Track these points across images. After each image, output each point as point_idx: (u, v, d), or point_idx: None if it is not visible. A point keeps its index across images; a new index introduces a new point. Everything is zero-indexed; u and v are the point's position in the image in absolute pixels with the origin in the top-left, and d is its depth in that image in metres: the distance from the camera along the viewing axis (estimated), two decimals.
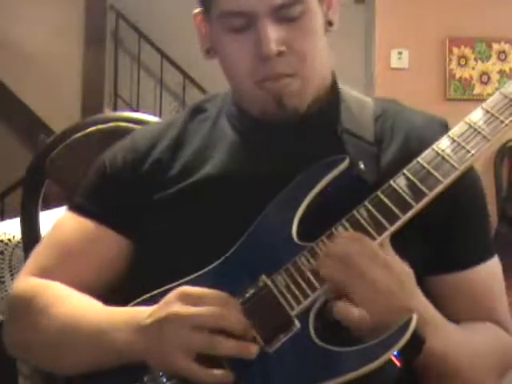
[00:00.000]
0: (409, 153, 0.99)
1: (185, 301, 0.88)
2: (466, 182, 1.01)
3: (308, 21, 1.00)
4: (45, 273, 1.06)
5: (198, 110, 1.14)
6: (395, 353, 0.82)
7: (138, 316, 0.91)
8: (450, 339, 0.92)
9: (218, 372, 0.85)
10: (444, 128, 1.05)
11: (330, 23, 1.05)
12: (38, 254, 1.11)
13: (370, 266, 0.86)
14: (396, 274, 0.88)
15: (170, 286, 0.95)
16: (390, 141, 1.04)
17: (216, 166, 1.05)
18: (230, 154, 1.06)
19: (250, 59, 0.99)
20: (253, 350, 0.86)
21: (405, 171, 0.93)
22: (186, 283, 0.95)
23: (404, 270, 0.89)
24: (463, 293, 1.02)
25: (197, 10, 1.08)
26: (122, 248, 1.07)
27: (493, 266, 1.06)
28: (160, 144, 1.09)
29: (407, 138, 1.04)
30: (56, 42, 4.96)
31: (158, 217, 1.05)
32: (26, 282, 1.06)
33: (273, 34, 0.97)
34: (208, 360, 0.86)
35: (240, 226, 0.97)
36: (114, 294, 1.07)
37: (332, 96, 1.08)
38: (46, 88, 4.94)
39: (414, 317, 0.83)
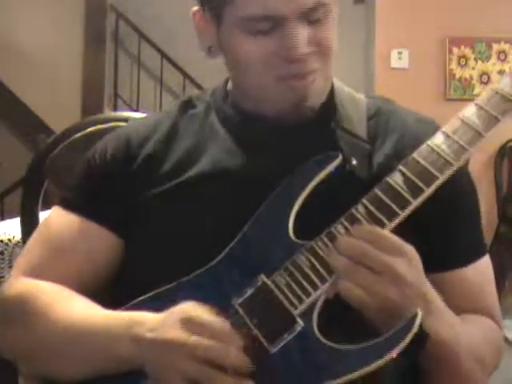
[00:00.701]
0: (402, 152, 1.00)
1: (187, 326, 0.86)
2: (459, 182, 1.02)
3: (329, 22, 1.01)
4: (35, 271, 1.05)
5: (187, 106, 1.13)
6: None
7: (136, 326, 0.90)
8: (453, 328, 0.93)
9: None
10: (436, 129, 1.06)
11: None
12: (29, 251, 1.10)
13: (387, 258, 0.86)
14: (410, 260, 0.88)
15: (167, 286, 0.95)
16: (384, 140, 1.05)
17: (209, 162, 1.05)
18: (223, 151, 1.06)
19: (273, 59, 0.99)
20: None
21: (401, 167, 0.93)
22: (183, 284, 0.94)
23: (415, 256, 0.89)
24: (457, 290, 1.02)
25: (195, 8, 1.07)
26: (113, 245, 1.06)
27: (484, 263, 1.07)
28: (151, 139, 1.09)
29: (401, 138, 1.05)
30: (56, 42, 4.97)
31: (149, 213, 1.04)
32: (19, 282, 1.05)
33: (303, 37, 0.98)
34: None
35: (234, 223, 0.97)
36: (106, 291, 1.07)
37: (328, 94, 1.08)
38: (46, 88, 4.94)
39: (419, 313, 0.83)
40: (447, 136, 0.94)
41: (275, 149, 1.04)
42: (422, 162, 0.93)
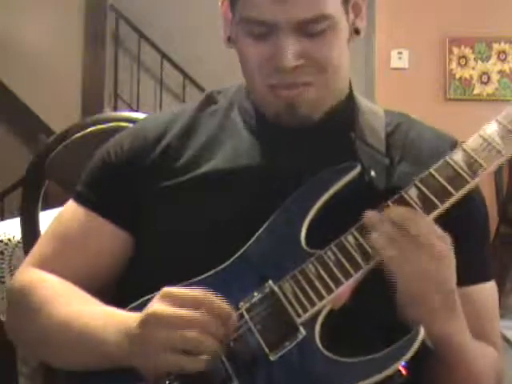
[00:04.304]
0: (420, 168, 0.97)
1: (165, 301, 0.88)
2: (473, 204, 1.02)
3: (332, 36, 0.98)
4: (44, 263, 1.06)
5: (209, 101, 1.12)
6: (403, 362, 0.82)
7: (129, 321, 0.91)
8: (467, 335, 0.93)
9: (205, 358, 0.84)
10: (454, 145, 1.04)
11: (356, 31, 1.03)
12: (40, 242, 1.11)
13: (428, 235, 0.87)
14: (448, 251, 0.89)
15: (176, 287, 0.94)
16: (402, 156, 1.04)
17: (225, 159, 1.03)
18: (240, 149, 1.05)
19: (265, 65, 0.98)
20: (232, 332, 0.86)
21: (416, 182, 0.92)
22: (192, 284, 0.94)
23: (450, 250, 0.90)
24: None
25: None
26: (123, 242, 1.06)
27: (489, 288, 1.06)
28: (169, 132, 1.08)
29: (419, 154, 1.03)
30: (56, 42, 4.97)
31: (159, 207, 1.03)
32: (27, 273, 1.07)
33: (292, 48, 0.95)
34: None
35: (245, 224, 0.96)
36: (114, 287, 1.07)
37: (348, 104, 1.07)
38: (46, 88, 4.94)
39: (422, 330, 0.83)
40: (466, 153, 0.92)
41: (293, 151, 1.03)
42: (438, 177, 0.91)
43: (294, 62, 0.96)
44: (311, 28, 0.96)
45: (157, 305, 0.88)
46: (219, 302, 0.87)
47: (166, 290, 0.89)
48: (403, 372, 0.82)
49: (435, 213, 0.90)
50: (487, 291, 1.05)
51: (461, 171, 0.91)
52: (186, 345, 0.84)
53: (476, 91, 4.69)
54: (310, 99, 1.00)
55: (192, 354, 0.84)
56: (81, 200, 1.09)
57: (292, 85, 0.98)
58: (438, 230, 0.89)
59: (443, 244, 0.88)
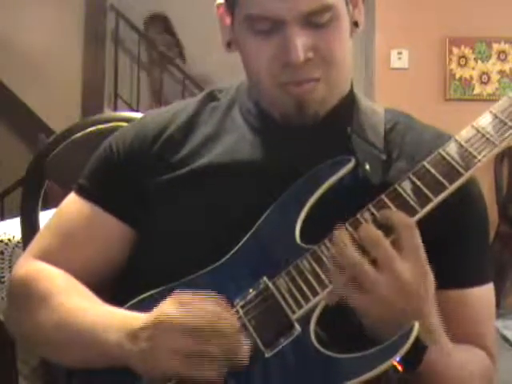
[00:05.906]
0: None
1: (177, 305, 0.88)
2: (473, 206, 1.02)
3: (336, 27, 0.98)
4: (46, 255, 1.06)
5: (211, 98, 1.12)
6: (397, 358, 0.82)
7: (132, 322, 0.91)
8: (448, 356, 0.91)
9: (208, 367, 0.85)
10: None
11: (356, 24, 1.03)
12: (42, 235, 1.11)
13: (396, 259, 0.85)
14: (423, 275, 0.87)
15: (171, 284, 0.94)
16: (399, 154, 1.03)
17: (223, 153, 1.04)
18: (239, 145, 1.05)
19: (274, 63, 0.98)
20: (245, 349, 0.86)
21: (410, 175, 0.91)
22: (189, 281, 0.94)
23: (429, 274, 0.88)
24: (453, 311, 0.99)
25: (220, 1, 1.06)
26: (125, 235, 1.06)
27: (486, 291, 1.04)
28: (171, 127, 1.08)
29: (416, 154, 1.01)
30: (56, 42, 4.97)
31: (158, 201, 1.03)
32: (28, 265, 1.06)
33: (300, 41, 0.95)
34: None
35: (243, 219, 0.96)
36: (112, 283, 1.07)
37: (348, 102, 1.07)
38: (46, 88, 4.94)
39: (416, 325, 0.82)
40: (460, 145, 0.92)
41: (289, 147, 1.03)
42: (432, 170, 0.91)
43: (303, 55, 0.95)
44: (316, 20, 0.96)
45: (169, 309, 0.88)
46: (229, 314, 0.87)
47: (176, 295, 0.89)
48: (399, 368, 0.82)
49: (429, 206, 0.89)
50: (485, 294, 1.04)
51: (454, 163, 0.91)
52: (200, 353, 0.84)
53: (476, 91, 4.69)
54: (319, 96, 1.00)
55: (201, 362, 0.84)
56: (83, 193, 1.09)
57: (300, 81, 0.98)
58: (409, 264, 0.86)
59: (407, 270, 0.85)
